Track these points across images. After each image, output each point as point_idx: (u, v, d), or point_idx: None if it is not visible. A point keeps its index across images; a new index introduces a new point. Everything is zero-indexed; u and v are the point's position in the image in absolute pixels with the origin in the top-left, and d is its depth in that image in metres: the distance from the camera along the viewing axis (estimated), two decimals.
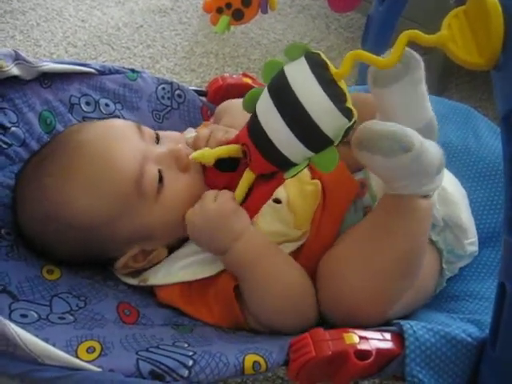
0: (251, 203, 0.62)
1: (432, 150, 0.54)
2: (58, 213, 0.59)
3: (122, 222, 0.59)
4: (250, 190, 0.62)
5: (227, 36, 1.51)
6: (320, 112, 0.50)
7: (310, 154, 0.53)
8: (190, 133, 0.70)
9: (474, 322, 0.58)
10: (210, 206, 0.58)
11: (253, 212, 0.62)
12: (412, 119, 0.58)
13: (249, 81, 0.89)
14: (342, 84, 0.51)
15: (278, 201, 0.63)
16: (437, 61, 1.32)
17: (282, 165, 0.55)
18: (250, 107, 0.56)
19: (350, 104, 0.51)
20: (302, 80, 0.51)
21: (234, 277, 0.60)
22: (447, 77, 1.35)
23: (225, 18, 0.78)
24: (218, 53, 1.46)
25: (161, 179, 0.60)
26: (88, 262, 0.64)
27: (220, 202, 0.59)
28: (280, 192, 0.63)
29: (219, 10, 0.78)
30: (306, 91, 0.50)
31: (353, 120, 0.51)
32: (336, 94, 0.50)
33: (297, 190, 0.64)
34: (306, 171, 0.66)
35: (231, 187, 0.62)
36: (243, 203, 0.61)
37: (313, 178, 0.66)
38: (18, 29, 1.45)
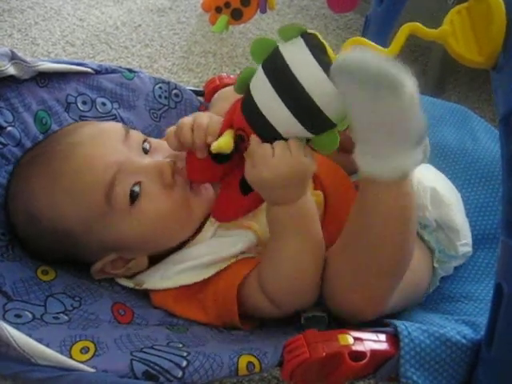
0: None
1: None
2: (39, 215, 0.59)
3: (95, 230, 0.59)
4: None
5: (225, 36, 1.51)
6: (322, 95, 0.49)
7: (309, 135, 0.52)
8: None
9: (469, 324, 0.58)
10: (287, 159, 0.52)
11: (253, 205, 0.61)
12: None
13: None
14: None
15: None
16: (435, 62, 1.32)
17: None
18: (243, 89, 0.54)
19: None
20: (301, 62, 0.50)
21: (238, 273, 0.59)
22: (445, 78, 1.35)
23: (223, 18, 0.78)
24: (216, 52, 1.46)
25: (137, 194, 0.59)
26: (67, 262, 0.63)
27: (297, 157, 0.53)
28: None
29: (218, 10, 0.78)
30: (307, 73, 0.49)
31: None
32: None
33: None
34: (309, 181, 0.65)
35: (227, 179, 0.60)
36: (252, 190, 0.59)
37: (315, 189, 0.65)
38: (16, 27, 1.44)
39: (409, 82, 0.43)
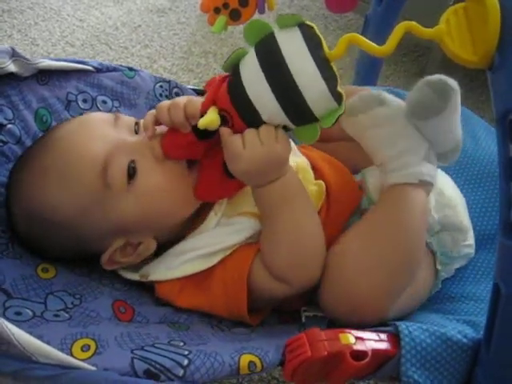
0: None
1: (417, 134, 0.59)
2: (38, 210, 0.59)
3: (96, 216, 0.58)
4: None
5: (225, 36, 1.51)
6: (311, 90, 0.50)
7: (291, 125, 0.53)
8: None
9: (470, 324, 0.59)
10: (276, 146, 0.55)
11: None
12: (441, 144, 0.61)
13: None
14: (334, 66, 0.50)
15: None
16: (434, 62, 1.32)
17: None
18: (231, 68, 0.54)
19: (340, 88, 0.51)
20: (295, 52, 0.50)
21: (244, 260, 0.60)
22: None
23: (222, 18, 0.78)
24: (216, 53, 1.46)
25: (133, 170, 0.59)
26: (77, 257, 0.63)
27: (285, 142, 0.56)
28: None
29: (216, 10, 0.78)
30: (298, 64, 0.49)
31: (342, 104, 0.51)
32: (329, 75, 0.50)
33: None
34: (309, 170, 0.66)
35: (210, 158, 0.60)
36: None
37: (316, 179, 0.66)
38: (16, 28, 1.44)
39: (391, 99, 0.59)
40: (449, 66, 1.32)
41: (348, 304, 0.57)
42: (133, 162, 0.59)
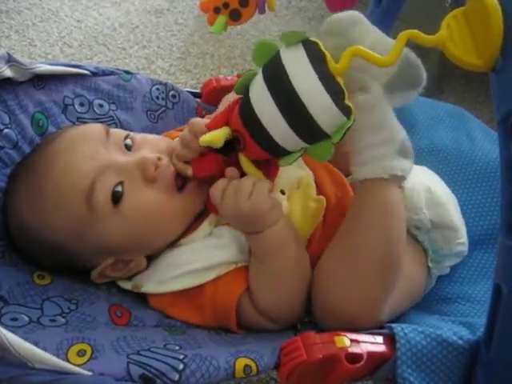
0: None
1: (394, 120, 0.57)
2: (31, 226, 0.59)
3: (86, 238, 0.59)
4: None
5: (223, 37, 1.51)
6: (319, 108, 0.49)
7: (304, 144, 0.53)
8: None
9: (466, 325, 0.59)
10: (244, 205, 0.55)
11: None
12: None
13: None
14: (339, 79, 0.50)
15: None
16: (432, 64, 1.32)
17: (276, 152, 0.54)
18: (242, 90, 0.54)
19: (347, 101, 0.51)
20: (298, 69, 0.50)
21: (238, 282, 0.60)
22: (442, 79, 1.36)
23: (222, 18, 0.77)
24: (213, 54, 1.46)
25: (120, 193, 0.58)
26: (70, 271, 0.63)
27: (255, 200, 0.55)
28: (283, 206, 0.61)
29: (216, 10, 0.78)
30: (304, 85, 0.49)
31: (351, 118, 0.51)
32: (335, 91, 0.50)
33: (300, 207, 0.63)
34: (313, 185, 0.66)
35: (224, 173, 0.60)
36: None
37: (319, 194, 0.65)
38: (14, 28, 1.44)
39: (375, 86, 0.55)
40: (446, 67, 1.32)
41: (340, 319, 0.56)
42: (120, 184, 0.59)
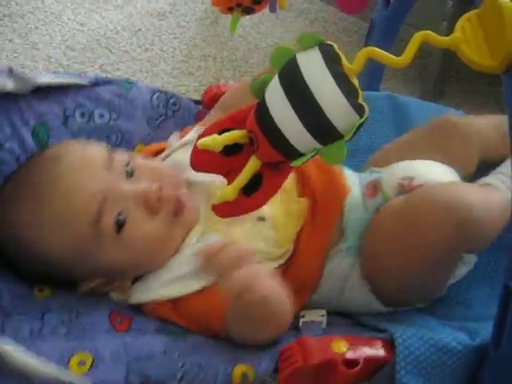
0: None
1: None
2: (29, 246, 0.60)
3: (85, 260, 0.60)
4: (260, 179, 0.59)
5: (225, 39, 1.51)
6: (332, 106, 0.49)
7: (318, 145, 0.52)
8: (175, 135, 0.70)
9: (466, 330, 0.59)
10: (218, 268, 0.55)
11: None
12: None
13: None
14: (354, 80, 0.51)
15: (262, 218, 0.63)
16: (433, 66, 1.32)
17: (289, 154, 0.54)
18: (259, 93, 0.55)
19: (361, 100, 0.51)
20: (315, 72, 0.50)
21: (217, 310, 0.58)
22: (443, 82, 1.35)
23: (236, 15, 0.78)
24: (216, 56, 1.46)
25: (123, 222, 0.60)
26: (60, 283, 0.63)
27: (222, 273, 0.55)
28: (265, 209, 0.62)
29: (230, 10, 0.79)
30: (319, 84, 0.50)
31: (364, 116, 0.51)
32: (349, 90, 0.50)
33: (282, 209, 0.64)
34: (294, 186, 0.66)
35: (233, 173, 0.59)
36: (255, 191, 0.60)
37: (303, 195, 0.66)
38: (17, 32, 1.45)
39: None
40: (448, 69, 1.32)
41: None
42: (123, 212, 0.60)
